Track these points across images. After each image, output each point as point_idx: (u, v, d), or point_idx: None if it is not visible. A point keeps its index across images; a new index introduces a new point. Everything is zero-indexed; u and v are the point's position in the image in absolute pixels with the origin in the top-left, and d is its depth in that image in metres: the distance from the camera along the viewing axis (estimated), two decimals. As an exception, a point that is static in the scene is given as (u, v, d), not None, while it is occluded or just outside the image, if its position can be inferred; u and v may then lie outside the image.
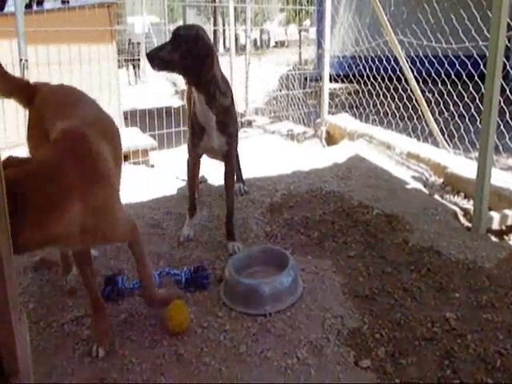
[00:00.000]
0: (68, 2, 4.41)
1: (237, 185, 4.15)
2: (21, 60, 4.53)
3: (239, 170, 4.27)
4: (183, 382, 2.19)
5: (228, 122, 3.18)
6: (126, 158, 5.39)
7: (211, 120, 3.11)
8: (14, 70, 4.63)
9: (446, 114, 4.91)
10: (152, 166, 5.46)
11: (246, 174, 4.59)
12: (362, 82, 6.40)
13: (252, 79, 7.96)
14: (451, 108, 4.79)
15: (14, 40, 4.60)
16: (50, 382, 2.20)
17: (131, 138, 5.71)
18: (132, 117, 6.09)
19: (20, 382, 1.55)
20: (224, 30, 10.63)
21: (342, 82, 7.03)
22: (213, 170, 4.54)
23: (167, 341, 2.44)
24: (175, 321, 2.50)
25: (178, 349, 2.38)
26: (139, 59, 14.72)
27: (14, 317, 1.54)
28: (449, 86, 4.79)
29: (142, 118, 5.74)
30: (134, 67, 15.34)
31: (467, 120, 4.48)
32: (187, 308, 2.60)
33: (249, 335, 2.47)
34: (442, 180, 4.29)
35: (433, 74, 5.18)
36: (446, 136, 4.96)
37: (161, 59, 2.88)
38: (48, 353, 2.38)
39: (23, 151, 4.12)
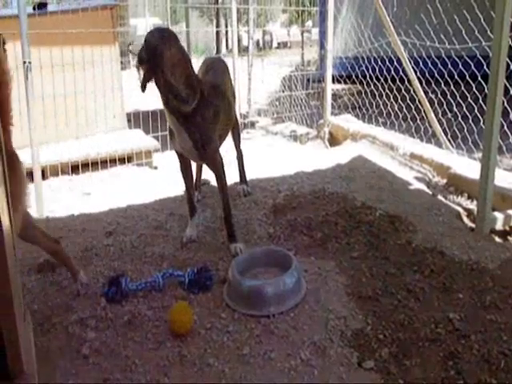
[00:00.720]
0: (45, 5, 4.38)
1: (240, 186, 4.19)
2: (24, 62, 4.53)
3: (243, 171, 4.30)
4: (187, 382, 2.19)
5: (194, 129, 3.16)
6: (130, 159, 5.40)
7: (177, 125, 3.16)
8: (18, 73, 4.64)
9: (449, 114, 4.91)
10: (155, 168, 5.46)
11: (249, 175, 4.59)
12: (364, 83, 6.40)
13: (255, 80, 7.97)
14: (454, 109, 4.79)
15: (18, 42, 4.61)
16: (54, 382, 2.21)
17: (135, 139, 5.72)
18: (135, 118, 6.10)
19: (25, 382, 1.56)
20: (226, 32, 10.63)
21: (345, 82, 7.03)
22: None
23: (170, 342, 2.45)
24: (178, 322, 2.50)
25: (181, 350, 2.39)
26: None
27: (18, 318, 1.55)
28: (452, 87, 4.79)
29: (145, 120, 5.74)
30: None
31: (470, 120, 4.47)
32: (191, 309, 2.60)
33: (252, 336, 2.47)
34: (445, 180, 4.28)
35: (436, 75, 5.18)
36: (449, 136, 4.95)
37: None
38: (52, 354, 2.39)
39: (26, 153, 4.14)
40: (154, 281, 2.85)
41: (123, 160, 5.33)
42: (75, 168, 5.12)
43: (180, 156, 3.47)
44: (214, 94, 3.29)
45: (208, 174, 4.16)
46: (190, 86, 3.05)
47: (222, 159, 3.35)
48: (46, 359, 2.35)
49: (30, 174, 4.19)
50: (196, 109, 3.10)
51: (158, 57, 2.89)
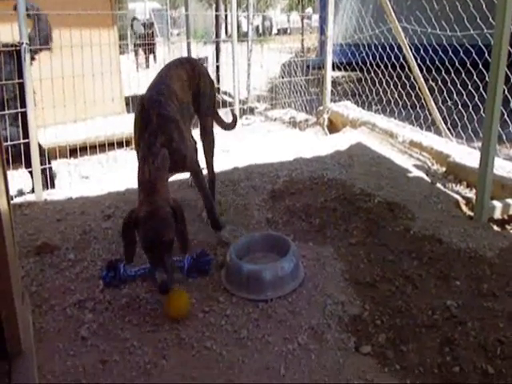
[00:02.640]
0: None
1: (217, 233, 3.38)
2: (21, 43, 4.50)
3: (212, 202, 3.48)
4: (184, 365, 2.20)
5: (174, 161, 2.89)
6: (128, 143, 5.38)
7: None
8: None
9: (450, 102, 4.89)
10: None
11: (248, 160, 4.59)
12: (364, 70, 6.37)
13: (254, 66, 7.94)
14: (454, 97, 4.77)
15: (15, 24, 4.57)
16: (52, 363, 2.22)
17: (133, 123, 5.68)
18: (134, 103, 6.06)
19: (23, 362, 1.56)
20: (226, 16, 10.58)
21: (345, 69, 7.00)
22: (220, 152, 4.52)
23: (169, 325, 2.45)
24: (174, 307, 2.51)
25: (179, 333, 2.40)
26: (153, 44, 14.21)
27: (16, 299, 1.55)
28: (452, 75, 4.77)
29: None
30: (145, 52, 14.76)
31: (470, 109, 4.46)
32: (187, 295, 2.60)
33: (250, 320, 2.48)
34: (444, 169, 4.28)
35: (436, 62, 5.16)
36: (448, 125, 4.94)
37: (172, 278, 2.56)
38: (50, 335, 2.40)
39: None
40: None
41: (122, 144, 5.32)
42: (73, 151, 5.10)
43: None
44: (163, 118, 2.90)
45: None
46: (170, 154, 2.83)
47: (195, 151, 3.19)
48: (45, 340, 2.35)
49: (29, 157, 4.19)
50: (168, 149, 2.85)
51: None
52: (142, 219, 2.50)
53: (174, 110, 3.03)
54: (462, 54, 4.75)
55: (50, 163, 4.45)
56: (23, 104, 4.19)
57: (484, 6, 4.31)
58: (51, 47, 4.60)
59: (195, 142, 3.63)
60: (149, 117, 2.87)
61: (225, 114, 6.80)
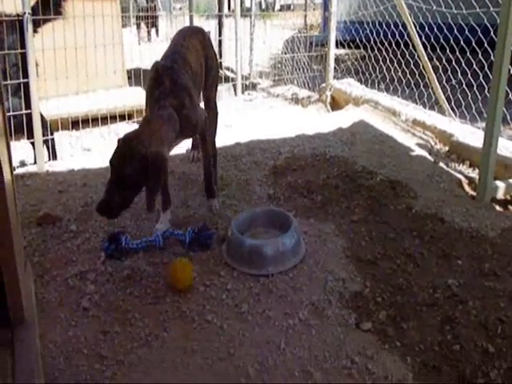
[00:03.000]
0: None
1: (208, 201, 3.37)
2: (24, 13, 4.46)
3: (210, 176, 3.39)
4: (185, 337, 2.21)
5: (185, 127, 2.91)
6: (131, 116, 5.36)
7: None
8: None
9: (454, 81, 4.85)
10: (155, 126, 5.43)
11: (250, 136, 4.58)
12: (368, 48, 6.31)
13: (257, 42, 7.87)
14: (459, 76, 4.73)
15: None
16: (53, 333, 2.22)
17: (135, 97, 5.66)
18: (136, 76, 6.03)
19: (25, 330, 1.56)
20: (229, -9, 10.49)
21: (349, 47, 6.94)
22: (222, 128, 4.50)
23: (170, 297, 2.46)
24: (178, 277, 2.51)
25: (180, 305, 2.41)
26: (156, 16, 14.04)
27: (19, 267, 1.55)
28: (457, 53, 4.72)
29: (145, 78, 5.67)
30: (147, 25, 14.60)
31: (475, 88, 4.42)
32: (191, 265, 2.60)
33: (251, 295, 2.49)
34: (447, 148, 4.26)
35: (441, 41, 5.11)
36: (452, 104, 4.90)
37: (114, 208, 2.63)
38: (52, 305, 2.41)
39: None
40: (154, 240, 2.84)
41: (123, 117, 5.29)
42: (75, 123, 5.08)
43: None
44: (178, 86, 2.89)
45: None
46: (170, 129, 2.79)
47: (205, 120, 3.15)
48: (46, 310, 2.36)
49: (31, 128, 4.17)
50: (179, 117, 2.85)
51: (145, 162, 2.54)
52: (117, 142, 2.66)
53: (187, 78, 3.00)
54: (467, 32, 4.70)
55: (52, 134, 4.43)
56: (25, 75, 4.16)
57: (491, -16, 4.26)
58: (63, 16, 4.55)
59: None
60: (162, 83, 2.85)
61: (227, 89, 6.78)
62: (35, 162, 4.18)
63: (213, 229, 3.01)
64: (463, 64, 4.64)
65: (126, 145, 2.60)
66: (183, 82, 2.93)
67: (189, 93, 2.94)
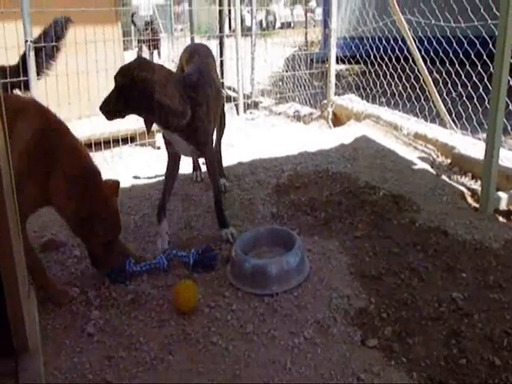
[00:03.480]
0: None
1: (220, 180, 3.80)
2: (26, 41, 4.51)
3: (220, 165, 4.05)
4: (191, 360, 2.21)
5: (192, 134, 3.05)
6: (133, 139, 5.38)
7: (173, 135, 3.07)
8: (20, 52, 4.62)
9: (454, 94, 4.87)
10: (158, 148, 5.43)
11: (253, 155, 4.60)
12: (368, 63, 6.35)
13: (258, 61, 7.92)
14: (459, 88, 4.75)
15: (20, 21, 4.58)
16: (58, 360, 2.22)
17: (138, 119, 5.68)
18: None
19: (29, 358, 1.57)
20: (229, 11, 10.53)
21: (349, 62, 6.98)
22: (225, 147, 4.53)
23: (174, 320, 2.46)
24: (182, 298, 2.52)
25: (185, 328, 2.40)
26: (157, 40, 14.12)
27: (22, 294, 1.55)
28: (457, 66, 4.74)
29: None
30: (149, 48, 14.59)
31: (475, 100, 4.43)
32: (195, 287, 2.61)
33: (256, 315, 2.49)
34: (449, 160, 4.26)
35: (441, 54, 5.13)
36: (453, 116, 4.91)
37: (110, 111, 2.94)
38: (57, 332, 2.41)
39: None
40: (158, 262, 2.85)
41: (126, 140, 5.32)
42: (78, 148, 5.10)
43: (171, 157, 3.30)
44: (201, 87, 3.12)
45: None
46: (183, 99, 2.94)
47: (211, 138, 3.28)
48: (51, 337, 2.36)
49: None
50: (192, 113, 2.99)
51: (148, 87, 2.77)
52: None
53: (210, 91, 3.19)
54: (466, 45, 4.72)
55: None
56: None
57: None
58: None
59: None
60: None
61: (229, 108, 6.81)
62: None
63: (217, 250, 3.01)
64: (463, 76, 4.65)
65: (130, 63, 2.88)
66: (206, 89, 3.16)
67: (207, 101, 3.11)
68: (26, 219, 2.51)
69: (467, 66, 4.64)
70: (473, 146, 4.20)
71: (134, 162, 4.93)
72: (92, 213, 2.53)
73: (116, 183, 2.77)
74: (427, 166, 4.22)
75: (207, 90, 3.15)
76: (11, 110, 2.43)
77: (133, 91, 2.77)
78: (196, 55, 3.59)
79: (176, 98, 2.89)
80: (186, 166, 4.26)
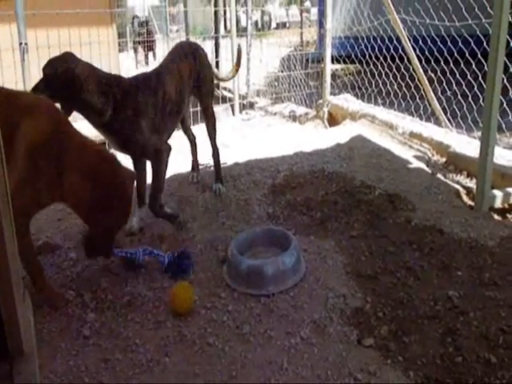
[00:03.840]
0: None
1: (215, 185, 3.93)
2: (20, 44, 4.52)
3: (219, 169, 4.02)
4: (187, 361, 2.21)
5: (115, 134, 3.12)
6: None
7: (98, 130, 3.13)
8: (14, 54, 4.62)
9: (449, 92, 4.88)
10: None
11: (249, 155, 4.60)
12: (364, 63, 6.35)
13: (253, 61, 7.92)
14: (454, 87, 4.76)
15: (14, 24, 4.58)
16: (54, 363, 2.22)
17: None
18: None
19: (24, 362, 1.57)
20: (225, 12, 10.54)
21: (344, 62, 6.99)
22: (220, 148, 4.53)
23: (171, 322, 2.46)
24: (179, 300, 2.52)
25: (181, 330, 2.40)
26: (152, 41, 14.14)
27: (17, 298, 1.55)
28: (451, 65, 4.75)
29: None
30: (144, 49, 14.70)
31: (470, 99, 4.44)
32: (192, 288, 2.61)
33: (252, 315, 2.49)
34: (444, 159, 4.27)
35: (435, 53, 5.14)
36: (448, 115, 4.93)
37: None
38: (52, 335, 2.40)
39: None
40: (134, 253, 2.85)
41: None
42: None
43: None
44: (134, 91, 3.14)
45: (206, 156, 4.16)
46: (104, 97, 2.98)
47: (166, 150, 3.26)
48: (47, 340, 2.36)
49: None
50: (113, 114, 3.03)
51: (69, 78, 2.87)
52: None
53: (149, 103, 3.17)
54: (460, 44, 4.73)
55: None
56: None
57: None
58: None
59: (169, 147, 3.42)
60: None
61: (225, 109, 6.81)
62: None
63: (193, 258, 2.96)
64: (457, 75, 4.66)
65: (57, 56, 3.04)
66: (140, 95, 3.15)
67: (138, 107, 3.11)
68: (30, 219, 2.51)
69: (462, 65, 4.65)
70: (468, 145, 4.21)
71: (131, 164, 4.92)
72: (106, 200, 2.51)
73: (132, 173, 2.77)
74: (422, 165, 4.23)
75: (142, 96, 3.14)
76: (22, 105, 2.46)
77: (56, 82, 2.87)
78: (170, 57, 3.60)
79: (95, 95, 2.95)
80: (184, 166, 4.28)
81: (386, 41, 5.82)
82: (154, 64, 13.32)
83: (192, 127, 4.21)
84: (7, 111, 2.38)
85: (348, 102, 6.11)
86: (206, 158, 4.31)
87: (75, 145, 2.51)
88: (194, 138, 4.11)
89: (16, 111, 2.42)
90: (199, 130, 4.37)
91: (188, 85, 3.56)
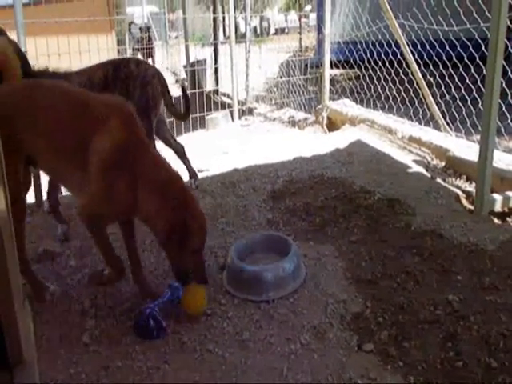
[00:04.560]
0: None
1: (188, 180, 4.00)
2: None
3: (188, 162, 4.17)
4: (187, 368, 2.20)
5: None
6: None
7: None
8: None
9: (448, 97, 4.89)
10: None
11: (248, 161, 4.60)
12: (362, 67, 6.37)
13: (252, 67, 7.94)
14: (452, 91, 4.77)
15: (13, 32, 4.59)
16: (54, 371, 2.22)
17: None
18: (133, 107, 6.07)
19: (24, 371, 1.56)
20: (224, 18, 10.57)
21: (343, 67, 7.00)
22: (213, 161, 4.56)
23: (171, 329, 2.45)
24: (189, 302, 2.50)
25: (181, 336, 2.40)
26: (152, 47, 14.16)
27: (16, 305, 1.55)
28: (450, 69, 4.76)
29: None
30: (144, 56, 14.57)
31: (469, 103, 4.45)
32: (203, 290, 2.55)
33: (252, 322, 2.48)
34: (443, 163, 4.27)
35: (434, 57, 5.15)
36: (447, 119, 4.94)
37: None
38: (52, 342, 2.40)
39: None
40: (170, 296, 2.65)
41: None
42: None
43: None
44: None
45: (206, 162, 4.17)
46: None
47: None
48: (47, 348, 2.36)
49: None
50: None
51: None
52: None
53: None
54: (459, 48, 4.74)
55: None
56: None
57: (480, -1, 4.31)
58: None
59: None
60: None
61: (224, 115, 6.83)
62: (35, 199, 4.19)
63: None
64: (456, 79, 4.67)
65: None
66: None
67: None
68: (106, 227, 2.55)
69: (460, 69, 4.66)
70: (467, 149, 4.21)
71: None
72: (183, 222, 2.36)
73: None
74: (422, 169, 4.23)
75: None
76: (96, 114, 2.40)
77: None
78: None
79: None
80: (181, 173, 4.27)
81: (385, 46, 5.83)
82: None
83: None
84: (81, 121, 2.40)
85: (347, 107, 6.12)
86: (202, 164, 4.31)
87: (148, 160, 2.43)
88: (182, 147, 4.16)
89: (90, 121, 2.39)
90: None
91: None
